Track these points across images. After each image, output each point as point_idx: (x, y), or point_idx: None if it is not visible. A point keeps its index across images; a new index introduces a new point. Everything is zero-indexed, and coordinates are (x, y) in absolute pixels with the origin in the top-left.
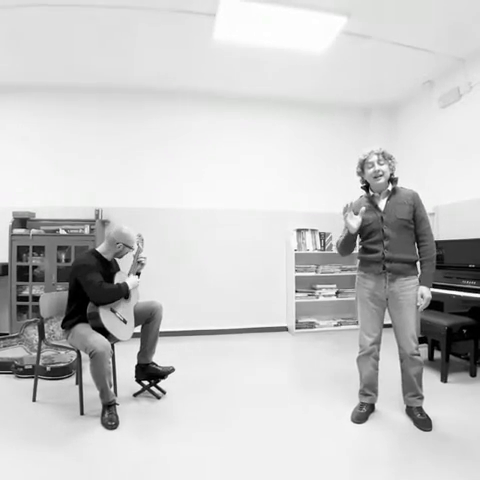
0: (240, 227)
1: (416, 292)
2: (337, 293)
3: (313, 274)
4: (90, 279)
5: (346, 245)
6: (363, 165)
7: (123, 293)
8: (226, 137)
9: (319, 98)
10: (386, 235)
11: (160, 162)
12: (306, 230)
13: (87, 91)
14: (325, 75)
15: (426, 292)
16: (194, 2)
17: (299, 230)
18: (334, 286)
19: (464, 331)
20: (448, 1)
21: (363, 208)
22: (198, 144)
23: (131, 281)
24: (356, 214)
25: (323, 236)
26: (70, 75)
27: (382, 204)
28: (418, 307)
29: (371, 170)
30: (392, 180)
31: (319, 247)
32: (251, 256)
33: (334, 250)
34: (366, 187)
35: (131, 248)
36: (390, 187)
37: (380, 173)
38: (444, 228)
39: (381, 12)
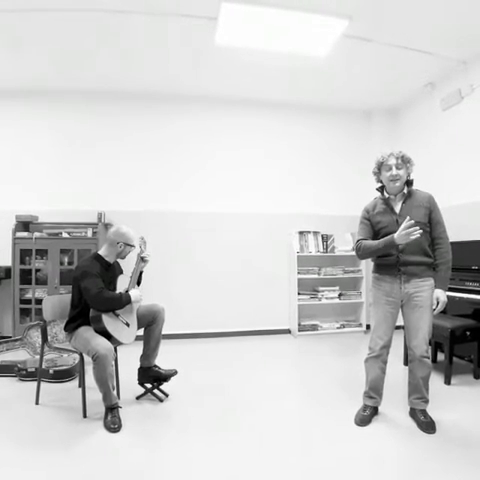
0: (242, 230)
1: (431, 294)
2: (340, 295)
3: (316, 276)
4: (89, 286)
5: (377, 253)
6: (380, 166)
7: (123, 304)
8: (228, 140)
9: (321, 101)
10: None
11: (162, 165)
12: (308, 232)
13: (89, 96)
14: (326, 78)
15: (442, 295)
16: (196, 6)
17: (301, 232)
18: (337, 288)
19: (467, 333)
20: (449, 3)
21: (412, 221)
22: (200, 147)
23: (134, 294)
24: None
25: (325, 238)
26: (72, 79)
27: (398, 207)
28: (434, 310)
29: (388, 173)
30: (408, 182)
31: (321, 249)
32: (253, 259)
33: (337, 252)
34: (381, 188)
35: (132, 246)
36: (406, 190)
37: (397, 177)
38: (447, 230)
39: (382, 15)
